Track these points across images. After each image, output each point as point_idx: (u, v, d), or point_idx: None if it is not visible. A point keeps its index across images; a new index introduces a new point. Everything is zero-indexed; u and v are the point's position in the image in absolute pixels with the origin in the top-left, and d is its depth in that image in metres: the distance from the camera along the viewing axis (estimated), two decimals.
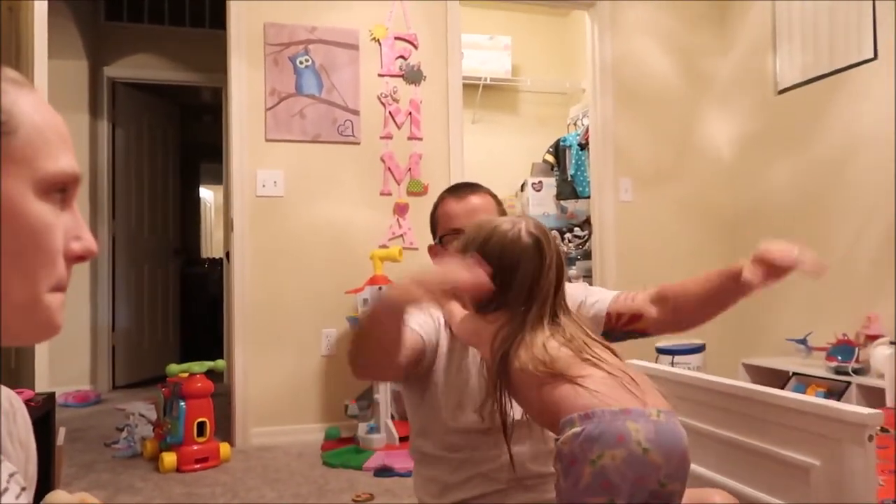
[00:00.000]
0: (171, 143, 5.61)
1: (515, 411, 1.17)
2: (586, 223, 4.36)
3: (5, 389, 0.88)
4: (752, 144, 3.85)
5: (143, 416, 3.26)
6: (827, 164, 3.33)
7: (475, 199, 1.47)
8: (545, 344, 1.10)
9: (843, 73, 3.23)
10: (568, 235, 4.59)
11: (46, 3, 2.38)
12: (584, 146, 4.36)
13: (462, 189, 1.51)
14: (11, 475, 0.66)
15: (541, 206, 4.72)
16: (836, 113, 3.28)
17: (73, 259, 0.59)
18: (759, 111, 3.78)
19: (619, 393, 1.00)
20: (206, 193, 8.56)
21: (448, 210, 1.48)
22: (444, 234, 1.48)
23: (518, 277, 1.16)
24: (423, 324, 1.38)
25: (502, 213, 1.46)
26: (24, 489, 0.67)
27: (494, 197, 1.51)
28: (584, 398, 0.99)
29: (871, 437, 1.12)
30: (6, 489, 0.63)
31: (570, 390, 1.01)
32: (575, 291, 1.51)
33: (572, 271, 4.53)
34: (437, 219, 1.51)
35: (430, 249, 1.56)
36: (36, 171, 0.55)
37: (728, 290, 1.29)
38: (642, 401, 0.99)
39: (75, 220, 0.59)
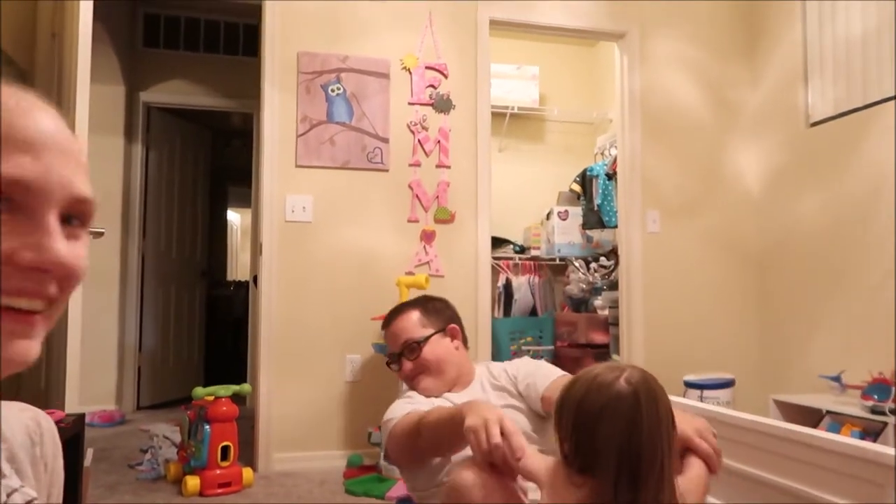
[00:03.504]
0: (202, 166, 5.70)
1: None
2: (612, 253, 4.33)
3: (34, 409, 0.85)
4: (781, 178, 3.81)
5: (167, 437, 3.27)
6: (858, 198, 3.28)
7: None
8: None
9: (877, 106, 3.20)
10: (594, 265, 4.56)
11: (91, 31, 2.44)
12: (611, 176, 4.35)
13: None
14: (29, 503, 0.65)
15: (566, 234, 4.70)
16: (868, 147, 3.24)
17: (26, 269, 0.53)
18: (789, 144, 3.75)
19: None
20: (233, 216, 8.66)
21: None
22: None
23: (601, 433, 0.99)
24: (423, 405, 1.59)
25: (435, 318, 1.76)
26: None
27: (420, 306, 1.78)
28: None
29: None
30: None
31: None
32: (514, 367, 1.69)
33: (597, 301, 4.49)
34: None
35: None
36: None
37: None
38: None
39: (38, 229, 0.54)
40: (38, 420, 0.83)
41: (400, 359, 1.69)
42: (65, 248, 0.55)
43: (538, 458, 1.16)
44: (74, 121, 2.47)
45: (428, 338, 1.70)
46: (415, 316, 1.73)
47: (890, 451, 1.16)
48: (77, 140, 0.60)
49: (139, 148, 4.83)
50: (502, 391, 1.65)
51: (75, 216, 0.58)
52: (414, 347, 1.68)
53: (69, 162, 0.57)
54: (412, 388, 1.70)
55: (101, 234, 2.65)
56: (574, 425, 1.03)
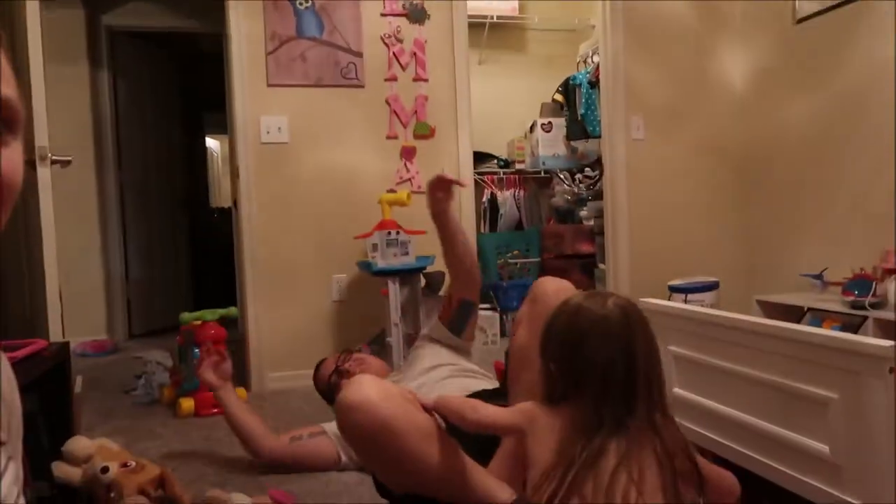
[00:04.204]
0: (175, 92, 5.53)
1: None
2: (597, 163, 4.29)
3: None
4: (768, 78, 3.73)
5: (159, 363, 3.29)
6: (846, 97, 3.22)
7: None
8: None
9: (866, 1, 3.10)
10: (578, 176, 4.53)
11: None
12: (594, 84, 4.25)
13: None
14: None
15: (551, 146, 4.65)
16: (857, 44, 3.16)
17: None
18: (776, 43, 3.65)
19: None
20: (213, 143, 8.49)
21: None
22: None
23: (585, 354, 1.01)
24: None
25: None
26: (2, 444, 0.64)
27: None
28: None
29: (891, 370, 1.10)
30: None
31: None
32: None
33: (583, 212, 4.49)
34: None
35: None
36: None
37: (442, 238, 2.14)
38: None
39: None
40: None
41: (340, 369, 2.41)
42: None
43: (501, 410, 1.13)
44: (27, 47, 2.35)
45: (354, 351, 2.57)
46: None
47: (865, 340, 1.17)
48: None
49: (105, 75, 4.65)
50: (431, 346, 2.24)
51: None
52: (347, 357, 2.47)
53: None
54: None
55: (69, 162, 2.59)
56: (562, 348, 1.05)
